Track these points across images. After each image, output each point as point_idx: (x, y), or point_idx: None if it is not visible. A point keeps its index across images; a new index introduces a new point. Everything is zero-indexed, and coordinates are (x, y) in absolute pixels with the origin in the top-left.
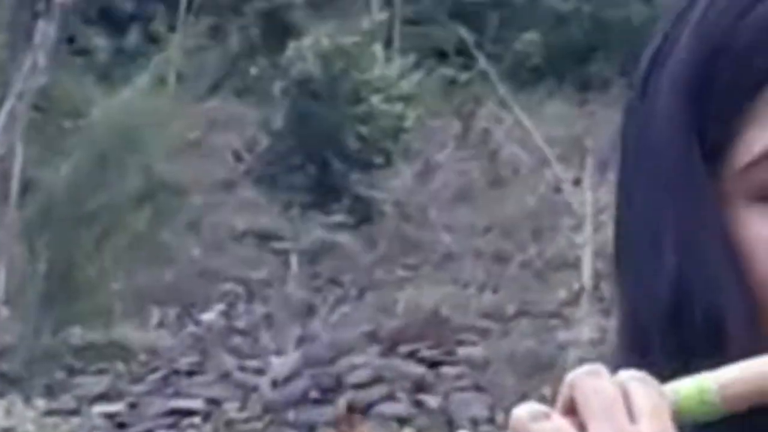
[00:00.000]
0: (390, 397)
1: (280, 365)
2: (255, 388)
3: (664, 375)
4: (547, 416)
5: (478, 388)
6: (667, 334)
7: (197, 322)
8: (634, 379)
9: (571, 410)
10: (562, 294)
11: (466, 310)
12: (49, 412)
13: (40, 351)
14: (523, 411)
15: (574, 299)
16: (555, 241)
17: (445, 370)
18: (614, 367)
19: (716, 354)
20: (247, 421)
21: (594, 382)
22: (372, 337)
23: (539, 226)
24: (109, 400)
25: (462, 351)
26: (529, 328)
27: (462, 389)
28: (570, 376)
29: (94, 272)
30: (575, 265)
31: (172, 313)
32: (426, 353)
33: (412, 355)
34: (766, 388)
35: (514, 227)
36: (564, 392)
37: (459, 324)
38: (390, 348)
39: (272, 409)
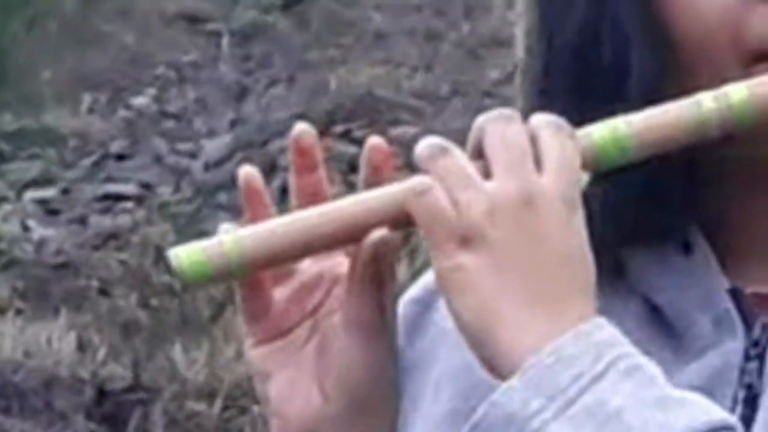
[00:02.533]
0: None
1: (212, 148)
2: (187, 171)
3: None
4: (446, 151)
5: (410, 167)
6: (573, 78)
7: (129, 107)
8: (546, 124)
9: (480, 155)
10: (495, 73)
11: (399, 89)
12: None
13: None
14: (422, 147)
15: (508, 78)
16: (488, 19)
17: None
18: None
19: (618, 102)
20: (178, 203)
21: (504, 128)
22: (304, 118)
23: (471, 4)
24: (41, 186)
25: (395, 131)
26: (463, 107)
27: (395, 168)
28: (480, 120)
29: (24, 58)
30: (508, 43)
31: (104, 98)
32: (358, 133)
33: (344, 136)
34: (679, 131)
35: (446, 4)
36: (473, 135)
37: (392, 103)
38: (322, 129)
39: (204, 191)
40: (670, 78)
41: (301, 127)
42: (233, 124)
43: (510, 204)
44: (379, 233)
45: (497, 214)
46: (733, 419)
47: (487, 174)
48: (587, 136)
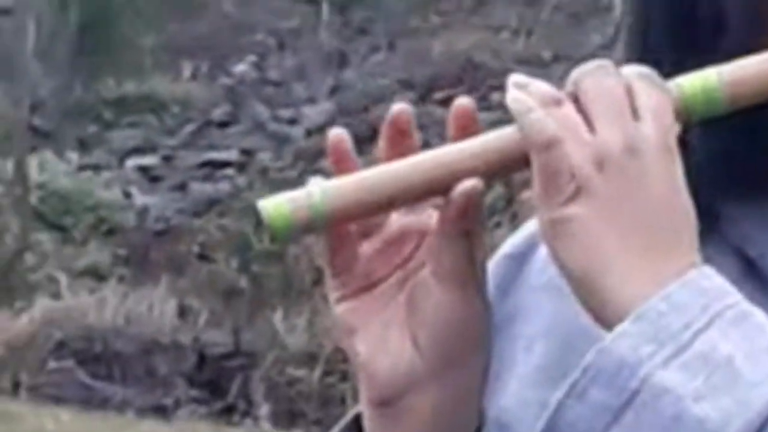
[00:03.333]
0: (425, 144)
1: (312, 114)
2: (288, 138)
3: (667, 72)
4: (558, 103)
5: None
6: (670, 29)
7: (229, 74)
8: (639, 76)
9: (576, 102)
10: (597, 38)
11: (500, 55)
12: (83, 167)
13: (72, 105)
14: (534, 92)
15: (610, 42)
16: None
17: (481, 116)
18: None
19: (717, 50)
20: (281, 170)
21: (600, 80)
22: (406, 84)
23: None
24: (143, 153)
25: (496, 96)
26: (564, 72)
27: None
28: (575, 73)
29: (126, 26)
30: (609, 7)
31: (204, 65)
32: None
33: (446, 102)
34: None
35: None
36: (569, 89)
37: (493, 69)
38: (424, 95)
39: (305, 157)
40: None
41: (399, 108)
42: (333, 90)
43: (616, 155)
44: (471, 182)
45: (606, 166)
46: None
47: (587, 122)
48: (678, 86)
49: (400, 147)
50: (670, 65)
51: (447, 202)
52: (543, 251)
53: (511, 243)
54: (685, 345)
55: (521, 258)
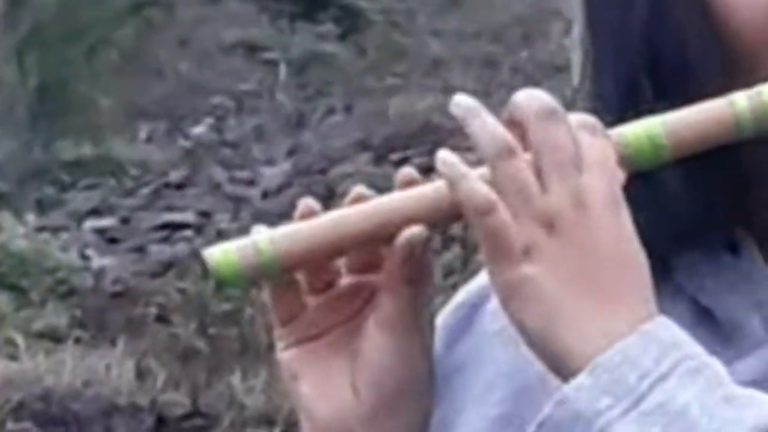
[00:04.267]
0: None
1: (270, 176)
2: (245, 199)
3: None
4: (512, 155)
5: None
6: (628, 80)
7: (187, 136)
8: (583, 126)
9: (515, 124)
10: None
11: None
12: (41, 228)
13: (30, 167)
14: (491, 140)
15: (566, 105)
16: (545, 45)
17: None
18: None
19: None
20: (238, 231)
21: (551, 131)
22: (363, 145)
23: (529, 30)
24: (101, 215)
25: None
26: None
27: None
28: (521, 99)
29: (84, 88)
30: (566, 68)
31: (162, 127)
32: (417, 160)
33: (403, 162)
34: (713, 130)
35: (503, 31)
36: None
37: (450, 130)
38: (381, 156)
39: (263, 219)
40: (730, 75)
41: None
42: (291, 152)
43: (566, 212)
44: (414, 230)
45: (556, 224)
46: None
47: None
48: (621, 135)
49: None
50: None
51: (391, 249)
52: (496, 300)
53: (465, 291)
54: (642, 396)
55: (474, 306)
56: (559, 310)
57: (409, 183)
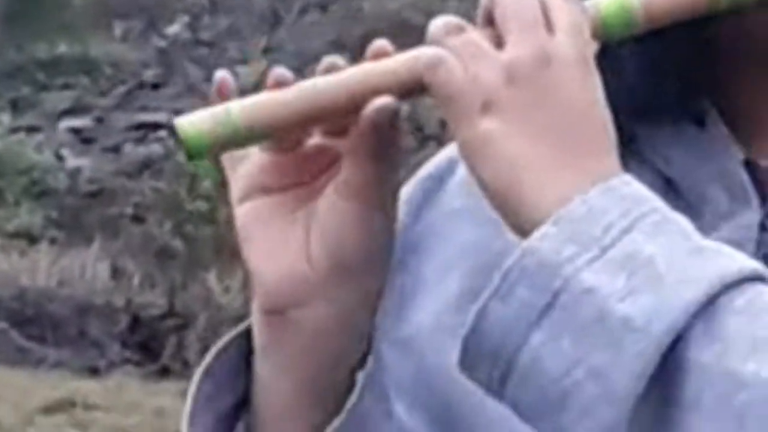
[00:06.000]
0: None
1: (246, 75)
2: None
3: None
4: (461, 29)
5: None
6: None
7: (162, 35)
8: None
9: (490, 22)
10: None
11: (432, 15)
12: (15, 129)
13: (4, 67)
14: (438, 23)
15: None
16: None
17: None
18: None
19: None
20: None
21: None
22: (338, 44)
23: None
24: (75, 114)
25: None
26: None
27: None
28: None
29: None
30: None
31: (137, 26)
32: None
33: None
34: (687, 2)
35: None
36: (484, 5)
37: (425, 29)
38: (357, 55)
39: None
40: None
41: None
42: (267, 51)
43: (527, 66)
44: (381, 101)
45: (516, 78)
46: (766, 271)
47: (499, 43)
48: (595, 5)
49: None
50: None
51: (360, 118)
52: (461, 174)
53: (432, 163)
54: (607, 246)
55: (439, 179)
56: (521, 166)
57: (382, 55)
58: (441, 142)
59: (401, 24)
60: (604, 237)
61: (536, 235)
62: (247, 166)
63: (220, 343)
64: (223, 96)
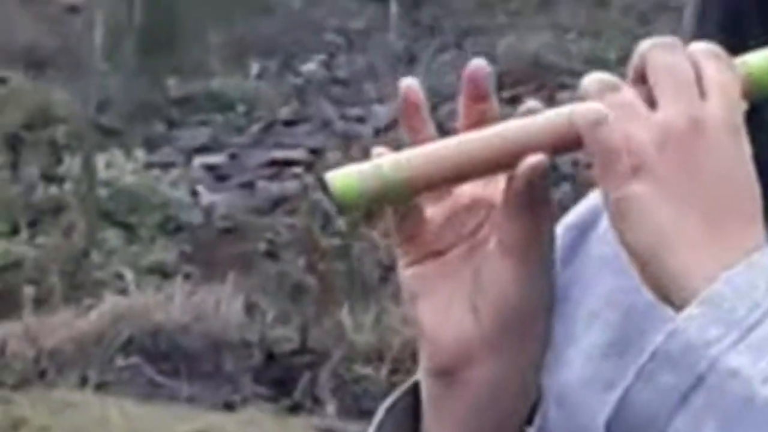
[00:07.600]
0: None
1: (381, 113)
2: (356, 136)
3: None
4: (616, 88)
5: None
6: (731, 10)
7: (297, 73)
8: (706, 53)
9: (642, 80)
10: None
11: (567, 55)
12: (150, 165)
13: (139, 104)
14: (593, 80)
15: None
16: None
17: None
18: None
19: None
20: None
21: (667, 56)
22: None
23: None
24: (210, 151)
25: (563, 96)
26: None
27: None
28: (643, 46)
29: (193, 24)
30: (678, 8)
31: (273, 64)
32: (526, 98)
33: (513, 101)
34: None
35: None
36: (635, 63)
37: (559, 69)
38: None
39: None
40: None
41: (477, 63)
42: None
43: (680, 131)
44: (535, 158)
45: (668, 143)
46: None
47: (650, 101)
48: (745, 63)
49: (479, 103)
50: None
51: (513, 175)
52: (605, 222)
53: (575, 212)
54: (751, 327)
55: (584, 228)
56: (668, 232)
57: (532, 113)
58: (575, 181)
59: (535, 63)
60: (748, 317)
61: (682, 315)
62: (410, 227)
63: (388, 400)
64: (411, 106)
